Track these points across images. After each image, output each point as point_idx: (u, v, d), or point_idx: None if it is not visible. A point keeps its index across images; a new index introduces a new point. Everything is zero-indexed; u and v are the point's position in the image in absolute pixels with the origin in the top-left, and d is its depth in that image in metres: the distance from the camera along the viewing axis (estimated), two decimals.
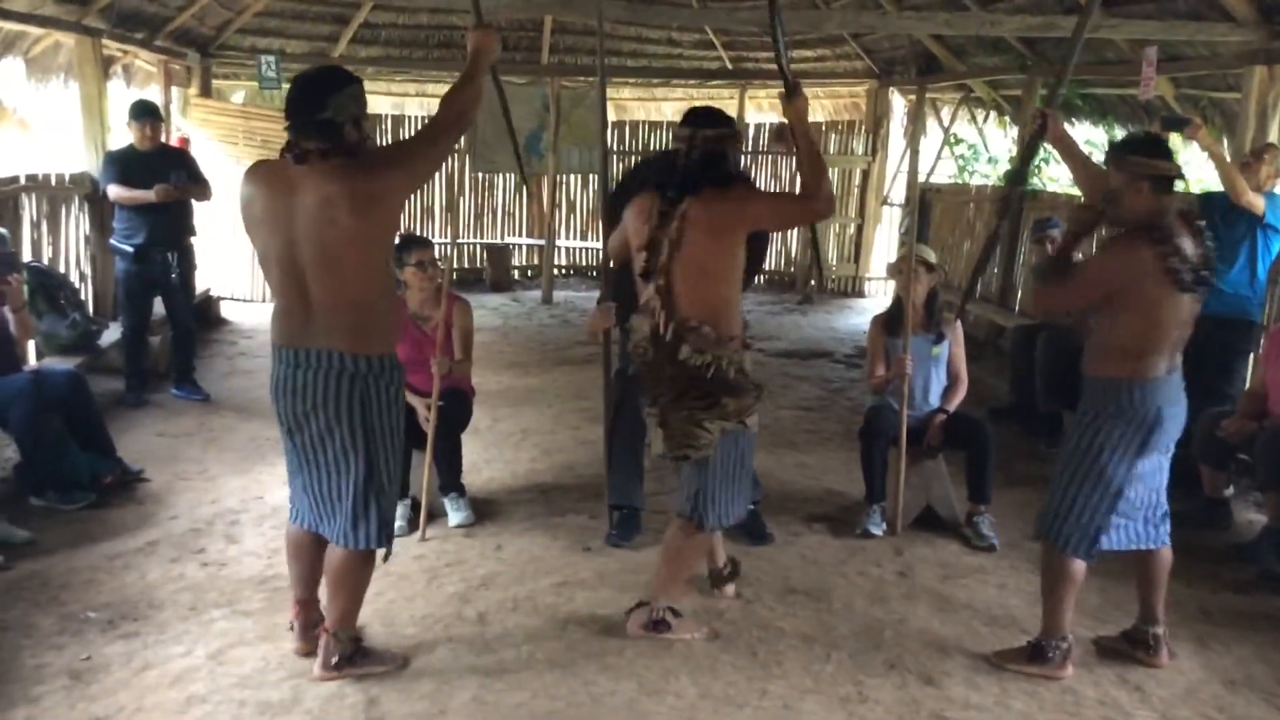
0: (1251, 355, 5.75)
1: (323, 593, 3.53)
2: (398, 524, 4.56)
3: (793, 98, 3.60)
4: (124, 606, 3.91)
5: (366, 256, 3.15)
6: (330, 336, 3.16)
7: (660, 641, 3.75)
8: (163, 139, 6.89)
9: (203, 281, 8.73)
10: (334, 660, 3.42)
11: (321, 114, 3.07)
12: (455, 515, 4.76)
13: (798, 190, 3.65)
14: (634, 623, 3.79)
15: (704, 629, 3.86)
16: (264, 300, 10.33)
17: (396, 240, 4.99)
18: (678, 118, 14.10)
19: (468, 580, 4.21)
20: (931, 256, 5.21)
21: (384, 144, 9.44)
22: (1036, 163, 9.47)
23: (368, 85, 12.44)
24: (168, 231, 6.61)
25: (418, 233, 9.47)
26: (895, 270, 5.37)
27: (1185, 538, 4.97)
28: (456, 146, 3.46)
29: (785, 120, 3.81)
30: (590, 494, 5.14)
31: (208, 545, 4.51)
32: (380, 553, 3.46)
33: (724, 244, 3.51)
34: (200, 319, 8.33)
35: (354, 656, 3.47)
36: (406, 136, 11.67)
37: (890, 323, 5.05)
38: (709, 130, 3.56)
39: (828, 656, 3.72)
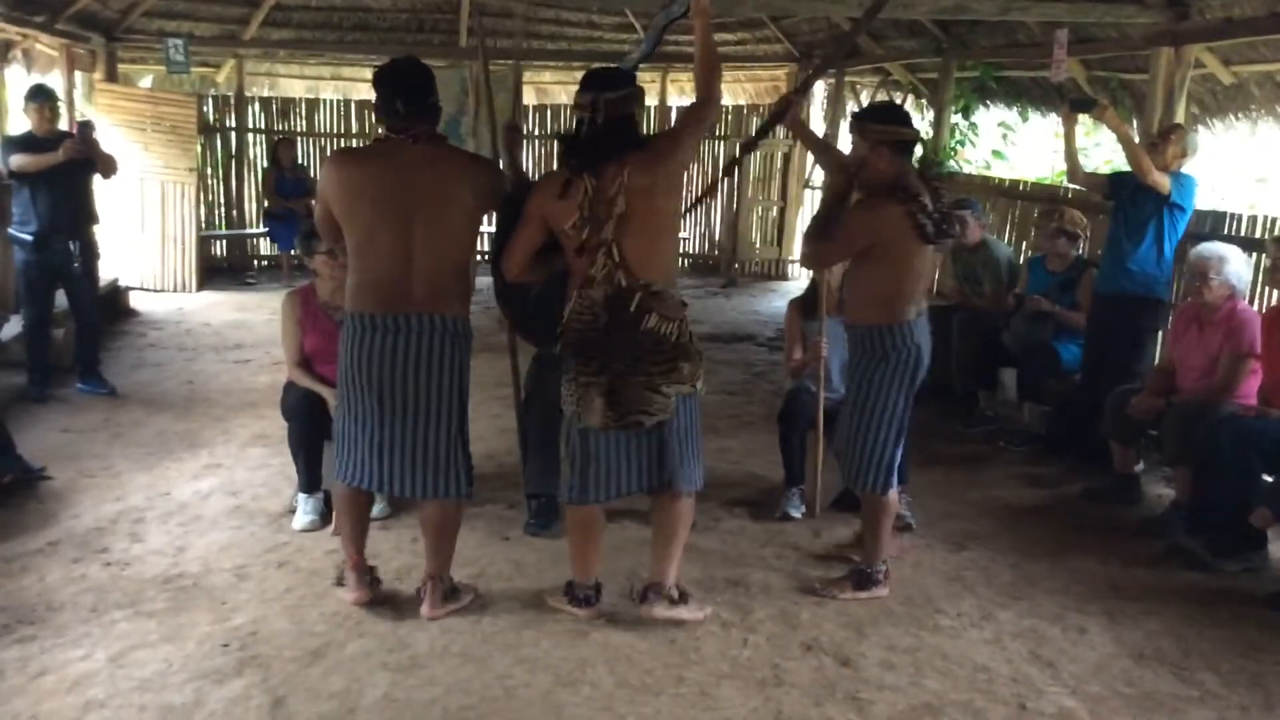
0: (1160, 333, 5.85)
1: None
2: (309, 518, 4.54)
3: None
4: (21, 610, 3.76)
5: (472, 232, 3.65)
6: (432, 302, 3.50)
7: (577, 631, 3.72)
8: (61, 125, 6.65)
9: (110, 271, 8.48)
10: (442, 600, 3.79)
11: (433, 99, 3.52)
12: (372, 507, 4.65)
13: (695, 100, 3.70)
14: (652, 608, 3.75)
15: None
16: (175, 290, 10.10)
17: (306, 229, 4.90)
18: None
19: (382, 574, 4.12)
20: None
21: None
22: (950, 145, 9.54)
23: (279, 69, 12.20)
24: (68, 218, 6.37)
25: None
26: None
27: (1097, 513, 5.12)
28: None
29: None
30: (509, 483, 5.07)
31: (111, 544, 4.36)
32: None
33: (670, 200, 3.57)
34: (107, 310, 8.05)
35: (449, 594, 3.83)
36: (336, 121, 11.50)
37: (806, 306, 5.04)
38: (611, 94, 3.47)
39: (745, 641, 3.71)
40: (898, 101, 11.10)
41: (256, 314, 9.31)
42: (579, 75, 13.00)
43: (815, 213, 4.08)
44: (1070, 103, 5.95)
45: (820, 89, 12.26)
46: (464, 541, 4.41)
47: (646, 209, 3.45)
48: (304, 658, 3.50)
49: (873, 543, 4.08)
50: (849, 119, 4.06)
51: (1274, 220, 5.71)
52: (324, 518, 4.55)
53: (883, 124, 3.86)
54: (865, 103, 11.59)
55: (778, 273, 12.28)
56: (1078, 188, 6.94)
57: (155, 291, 10.02)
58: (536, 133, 12.39)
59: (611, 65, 3.76)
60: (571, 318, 3.52)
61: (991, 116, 9.71)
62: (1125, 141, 5.53)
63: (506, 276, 3.71)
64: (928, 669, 3.58)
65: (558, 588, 3.94)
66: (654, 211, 3.48)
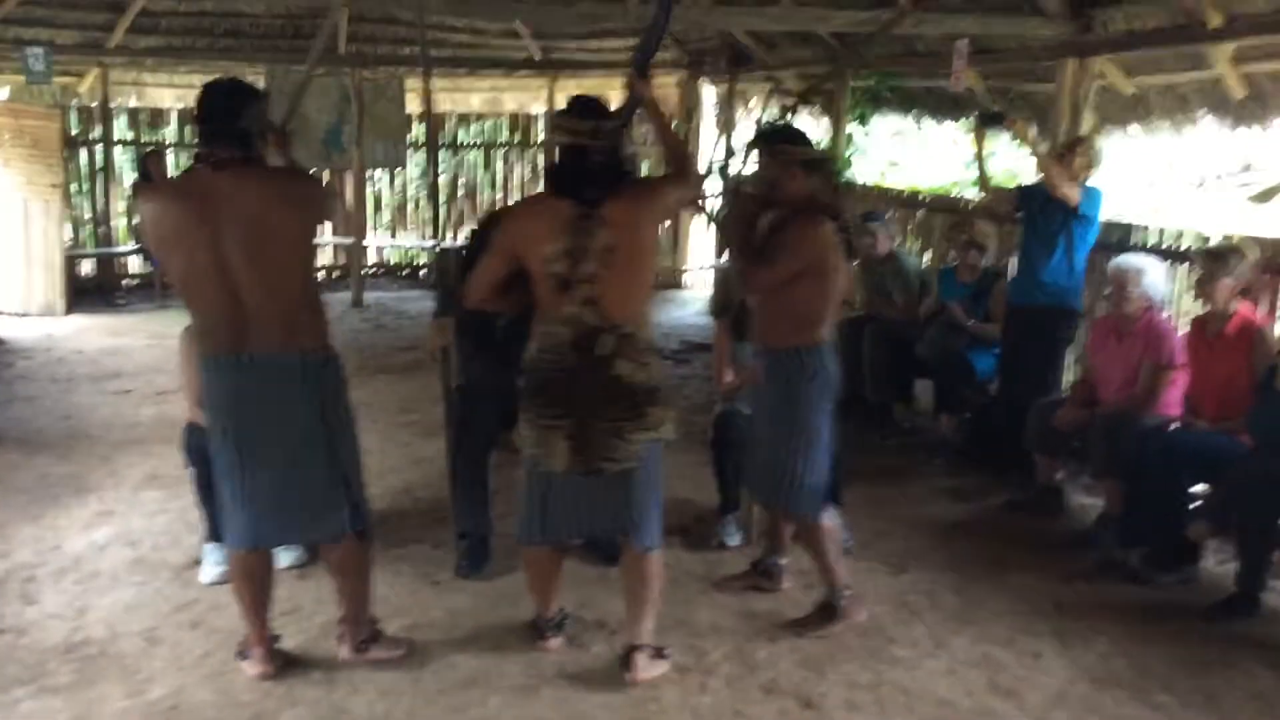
0: (1073, 343, 5.91)
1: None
2: (219, 569, 4.20)
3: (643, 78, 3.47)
4: None
5: (305, 256, 3.40)
6: (276, 339, 3.21)
7: (527, 688, 3.51)
8: None
9: None
10: (362, 642, 3.59)
11: (238, 123, 3.22)
12: (285, 555, 4.33)
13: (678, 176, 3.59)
14: (639, 670, 3.54)
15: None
16: (41, 314, 9.46)
17: None
18: (486, 109, 13.43)
19: (306, 630, 3.84)
20: None
21: None
22: (847, 155, 9.57)
23: (147, 78, 11.53)
24: None
25: None
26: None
27: (1024, 526, 5.12)
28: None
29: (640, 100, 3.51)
30: (432, 519, 4.82)
31: (2, 609, 3.97)
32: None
33: (649, 242, 3.44)
34: None
35: (373, 639, 3.63)
36: None
37: (738, 327, 4.91)
38: (610, 123, 3.36)
39: (703, 686, 3.56)
40: (787, 110, 11.15)
41: (132, 338, 8.77)
42: (463, 83, 12.49)
43: (734, 237, 4.00)
44: (980, 117, 5.98)
45: (710, 96, 12.22)
46: (390, 588, 4.17)
47: (631, 246, 3.29)
48: None
49: (826, 570, 3.99)
50: (752, 142, 4.06)
51: (1180, 232, 5.81)
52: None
53: (794, 145, 3.88)
54: (754, 109, 11.59)
55: (674, 281, 12.17)
56: (977, 197, 7.00)
57: (19, 316, 9.37)
58: (422, 141, 12.01)
59: (592, 96, 3.56)
60: (537, 357, 3.36)
61: (886, 125, 9.75)
62: (1036, 155, 5.57)
63: (466, 304, 3.58)
64: (891, 707, 3.49)
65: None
66: (637, 250, 3.33)
